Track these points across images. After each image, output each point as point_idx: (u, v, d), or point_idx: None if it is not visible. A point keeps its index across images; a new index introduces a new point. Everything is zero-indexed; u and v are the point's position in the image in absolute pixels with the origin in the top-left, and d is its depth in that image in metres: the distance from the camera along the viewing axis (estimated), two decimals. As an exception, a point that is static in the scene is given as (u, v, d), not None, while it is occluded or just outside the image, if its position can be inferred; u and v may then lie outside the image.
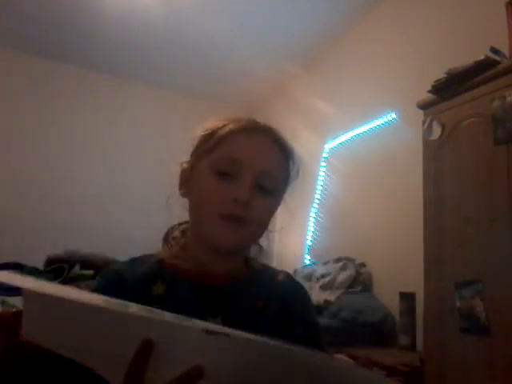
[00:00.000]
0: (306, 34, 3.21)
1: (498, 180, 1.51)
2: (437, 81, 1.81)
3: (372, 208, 2.70)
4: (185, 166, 0.75)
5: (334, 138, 3.13)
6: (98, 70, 3.82)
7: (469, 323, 1.53)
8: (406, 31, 2.64)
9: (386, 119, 2.69)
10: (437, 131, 1.80)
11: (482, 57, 1.63)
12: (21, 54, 3.59)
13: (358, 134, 2.91)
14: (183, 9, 2.97)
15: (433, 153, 1.82)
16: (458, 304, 1.58)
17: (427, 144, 1.85)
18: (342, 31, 3.14)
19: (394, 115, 2.63)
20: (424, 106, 1.90)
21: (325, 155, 3.24)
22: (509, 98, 1.50)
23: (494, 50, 1.66)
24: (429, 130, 1.83)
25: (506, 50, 1.65)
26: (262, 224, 0.71)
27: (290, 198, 0.78)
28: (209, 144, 0.72)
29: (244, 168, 0.68)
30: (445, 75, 1.77)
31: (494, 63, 1.61)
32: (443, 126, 1.78)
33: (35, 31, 3.33)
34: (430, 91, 1.85)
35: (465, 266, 1.60)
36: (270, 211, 0.72)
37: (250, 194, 0.66)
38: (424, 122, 1.86)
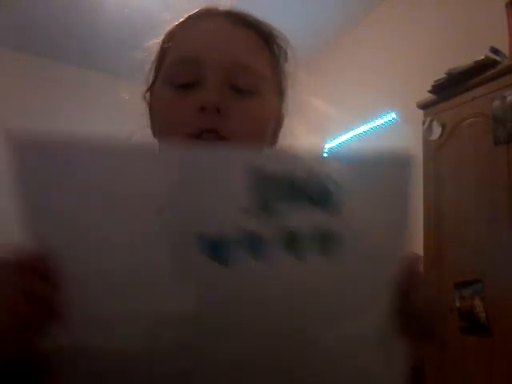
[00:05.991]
0: (306, 34, 3.20)
1: (497, 180, 1.51)
2: (437, 81, 1.81)
3: (372, 208, 2.69)
4: (147, 96, 0.58)
5: (334, 138, 3.13)
6: (98, 69, 3.81)
7: (469, 323, 1.53)
8: (406, 31, 2.64)
9: (386, 119, 2.68)
10: (437, 131, 1.79)
11: (482, 57, 1.64)
12: (21, 54, 3.59)
13: (358, 134, 2.91)
14: (183, 9, 2.97)
15: (433, 153, 1.82)
16: (457, 304, 1.58)
17: (427, 144, 1.85)
18: (342, 31, 3.14)
19: (394, 115, 2.63)
20: (424, 106, 1.90)
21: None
22: (509, 98, 1.50)
23: (494, 50, 1.66)
24: (429, 129, 1.83)
25: (506, 50, 1.66)
26: (255, 135, 0.50)
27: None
28: (159, 52, 0.56)
29: (204, 67, 0.48)
30: (445, 75, 1.77)
31: (494, 63, 1.62)
32: (443, 126, 1.78)
33: (35, 31, 3.33)
34: (430, 91, 1.85)
35: (465, 266, 1.60)
36: (260, 115, 0.51)
37: (222, 97, 0.47)
38: (424, 122, 1.86)
